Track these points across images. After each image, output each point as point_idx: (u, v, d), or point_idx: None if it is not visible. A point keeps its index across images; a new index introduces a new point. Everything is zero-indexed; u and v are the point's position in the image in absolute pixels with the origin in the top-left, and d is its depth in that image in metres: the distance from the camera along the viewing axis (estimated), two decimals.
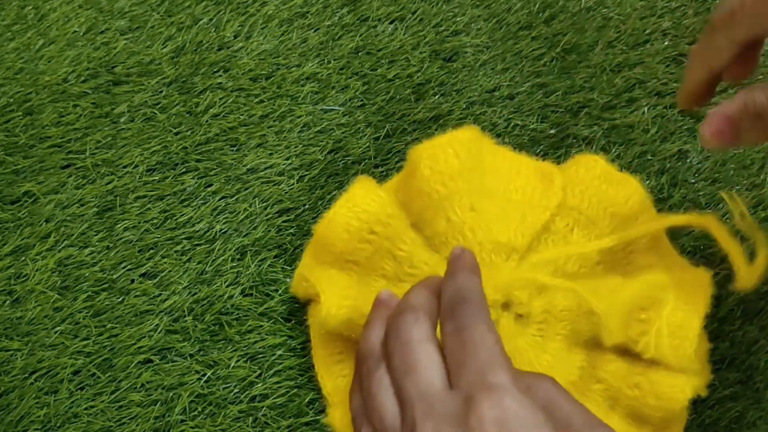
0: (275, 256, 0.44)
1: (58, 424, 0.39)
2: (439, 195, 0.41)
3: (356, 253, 0.40)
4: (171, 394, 0.40)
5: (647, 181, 0.46)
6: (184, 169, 0.47)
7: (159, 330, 0.42)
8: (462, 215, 0.40)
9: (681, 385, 0.37)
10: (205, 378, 0.40)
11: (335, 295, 0.38)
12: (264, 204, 0.46)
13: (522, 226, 0.41)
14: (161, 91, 0.50)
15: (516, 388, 0.28)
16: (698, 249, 0.45)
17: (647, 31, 0.52)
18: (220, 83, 0.50)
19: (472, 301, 0.31)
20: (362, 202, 0.41)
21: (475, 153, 0.43)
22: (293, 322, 0.43)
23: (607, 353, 0.39)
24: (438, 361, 0.30)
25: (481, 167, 0.43)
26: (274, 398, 0.40)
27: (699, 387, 0.38)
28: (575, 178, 0.43)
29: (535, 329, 0.40)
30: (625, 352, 0.39)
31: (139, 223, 0.45)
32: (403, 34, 0.52)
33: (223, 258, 0.44)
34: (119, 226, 0.45)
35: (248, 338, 0.42)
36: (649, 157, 0.47)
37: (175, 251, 0.44)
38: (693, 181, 0.46)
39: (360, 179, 0.42)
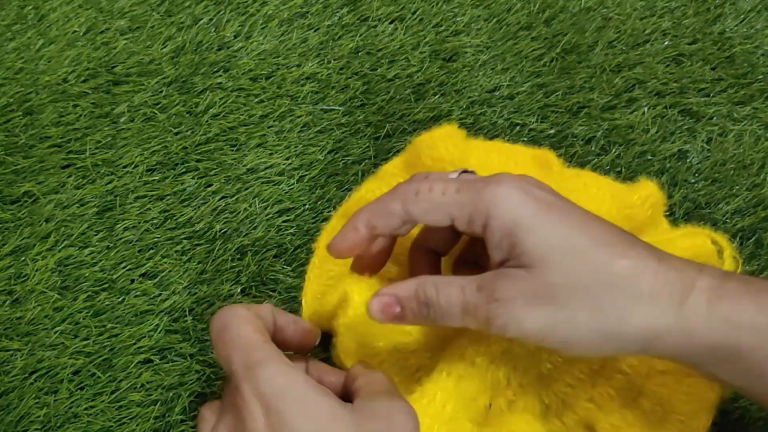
0: (275, 256, 0.44)
1: (58, 424, 0.39)
2: None
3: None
4: (171, 394, 0.40)
5: None
6: (184, 169, 0.47)
7: (159, 330, 0.42)
8: None
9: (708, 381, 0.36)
10: (205, 378, 0.40)
11: (364, 290, 0.37)
12: (264, 204, 0.46)
13: None
14: (161, 91, 0.50)
15: (273, 359, 0.31)
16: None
17: (647, 31, 0.52)
18: (220, 83, 0.50)
19: (231, 307, 0.34)
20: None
21: (470, 147, 0.43)
22: None
23: None
24: None
25: (470, 162, 0.43)
26: None
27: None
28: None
29: None
30: None
31: (139, 223, 0.45)
32: (403, 34, 0.52)
33: (223, 258, 0.44)
34: (119, 226, 0.45)
35: None
36: (649, 157, 0.47)
37: (175, 251, 0.44)
38: (693, 181, 0.46)
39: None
